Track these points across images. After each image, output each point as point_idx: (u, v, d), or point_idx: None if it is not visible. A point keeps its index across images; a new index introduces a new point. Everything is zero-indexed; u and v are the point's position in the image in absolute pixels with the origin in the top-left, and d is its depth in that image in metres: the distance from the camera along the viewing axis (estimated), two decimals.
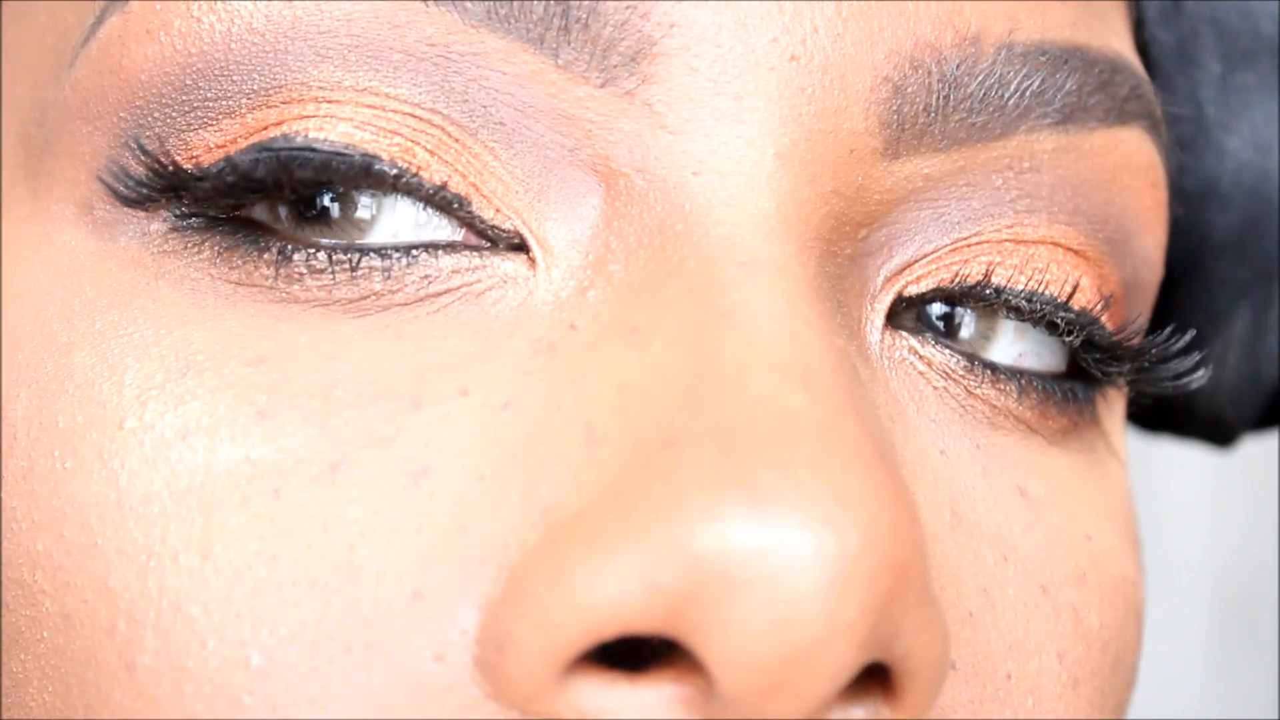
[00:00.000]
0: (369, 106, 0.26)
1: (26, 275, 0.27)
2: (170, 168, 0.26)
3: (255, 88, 0.26)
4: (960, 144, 0.27)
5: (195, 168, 0.26)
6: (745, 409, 0.23)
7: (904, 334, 0.28)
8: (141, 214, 0.26)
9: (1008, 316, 0.29)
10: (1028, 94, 0.27)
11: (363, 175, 0.26)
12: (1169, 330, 0.30)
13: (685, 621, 0.22)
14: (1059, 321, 0.29)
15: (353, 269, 0.25)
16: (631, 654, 0.23)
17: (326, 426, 0.25)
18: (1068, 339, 0.29)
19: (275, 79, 0.26)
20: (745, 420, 0.23)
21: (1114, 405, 0.31)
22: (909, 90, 0.26)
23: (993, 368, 0.28)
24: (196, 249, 0.26)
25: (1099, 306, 0.29)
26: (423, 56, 0.25)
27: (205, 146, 0.26)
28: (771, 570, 0.22)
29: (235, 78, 0.26)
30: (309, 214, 0.26)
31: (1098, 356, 0.29)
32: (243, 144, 0.26)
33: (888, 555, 0.22)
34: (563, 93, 0.25)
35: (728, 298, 0.25)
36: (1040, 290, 0.28)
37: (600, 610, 0.22)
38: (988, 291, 0.28)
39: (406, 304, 0.26)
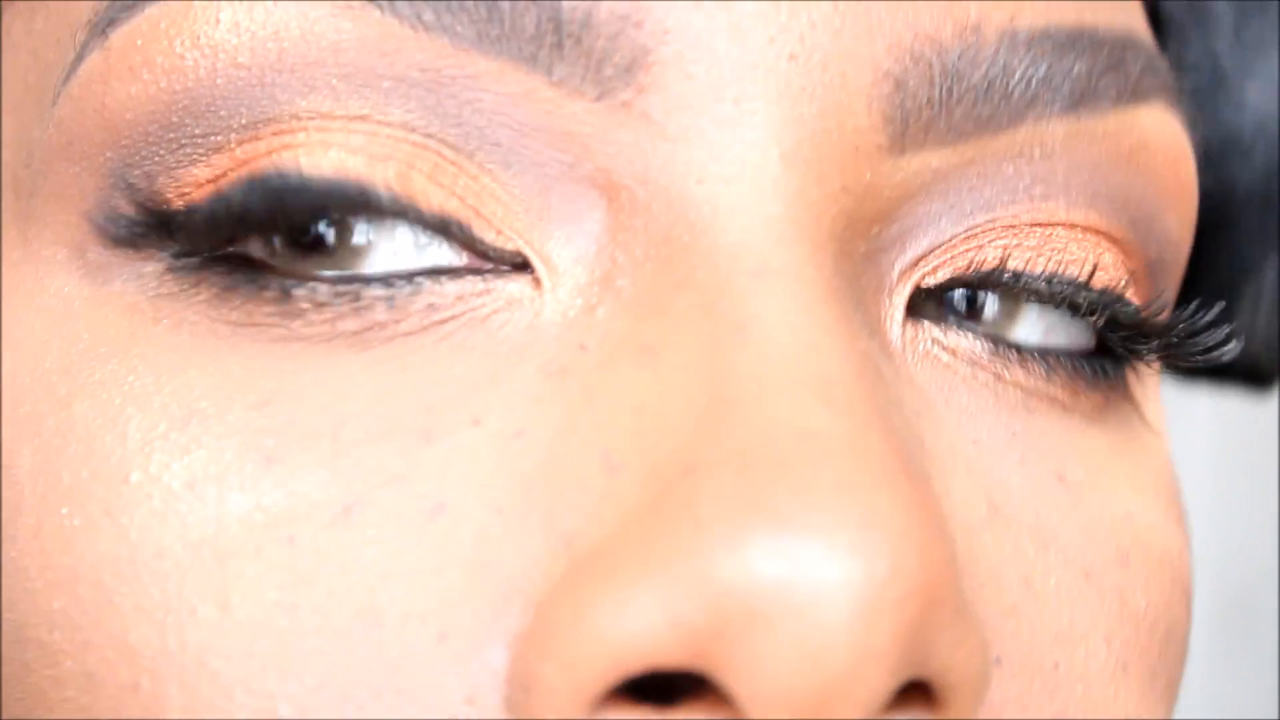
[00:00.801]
0: (361, 134, 0.25)
1: (23, 324, 0.26)
2: (161, 205, 0.25)
3: (244, 122, 0.25)
4: (967, 136, 0.26)
5: (186, 204, 0.25)
6: (765, 430, 0.22)
7: (926, 323, 0.27)
8: (135, 255, 0.26)
9: (1028, 300, 0.28)
10: (1034, 81, 0.26)
11: (358, 203, 0.25)
12: (1195, 304, 0.29)
13: (712, 657, 0.22)
14: (1081, 302, 0.28)
15: (355, 300, 0.25)
16: (664, 686, 0.23)
17: (337, 467, 0.24)
18: (1091, 319, 0.28)
19: (264, 112, 0.25)
20: (765, 442, 0.22)
21: (1145, 378, 0.30)
22: (910, 84, 0.25)
23: (1018, 348, 0.28)
24: (194, 290, 0.25)
25: (1122, 284, 0.28)
26: (414, 82, 0.25)
27: (196, 182, 0.25)
28: (798, 602, 0.21)
29: (222, 113, 0.25)
30: (304, 241, 0.25)
31: (1124, 335, 0.29)
32: (233, 177, 0.25)
33: (917, 578, 0.22)
34: (558, 109, 0.25)
35: (742, 310, 0.24)
36: (1060, 272, 0.28)
37: (625, 647, 0.22)
38: (1005, 276, 0.27)
39: (411, 333, 0.25)
